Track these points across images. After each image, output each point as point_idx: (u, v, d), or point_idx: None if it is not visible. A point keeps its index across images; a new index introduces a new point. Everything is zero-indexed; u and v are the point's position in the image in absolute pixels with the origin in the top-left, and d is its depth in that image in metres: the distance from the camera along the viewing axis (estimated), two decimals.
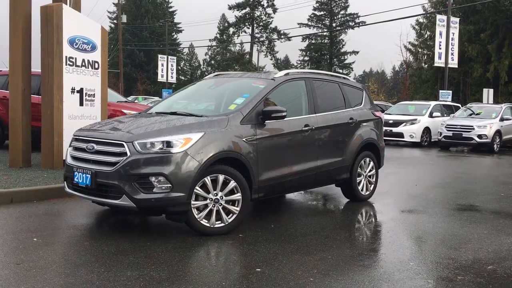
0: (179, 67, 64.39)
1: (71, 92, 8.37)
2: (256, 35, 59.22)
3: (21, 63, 8.21)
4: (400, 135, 18.20)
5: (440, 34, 24.84)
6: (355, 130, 6.87)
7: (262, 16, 58.34)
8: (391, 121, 18.32)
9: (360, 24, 58.65)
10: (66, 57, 8.22)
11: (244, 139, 5.25)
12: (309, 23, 61.47)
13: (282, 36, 57.32)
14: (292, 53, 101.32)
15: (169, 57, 34.13)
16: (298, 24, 59.86)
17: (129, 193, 4.67)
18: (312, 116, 6.21)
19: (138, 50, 57.96)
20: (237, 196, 5.09)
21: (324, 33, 63.40)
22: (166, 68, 31.92)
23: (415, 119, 18.29)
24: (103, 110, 8.98)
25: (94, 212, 5.87)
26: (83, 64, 8.56)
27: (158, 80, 35.89)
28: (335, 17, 60.83)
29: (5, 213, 5.70)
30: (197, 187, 4.85)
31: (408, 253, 4.68)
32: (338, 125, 6.60)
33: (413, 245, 5.04)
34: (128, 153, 4.73)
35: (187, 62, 70.79)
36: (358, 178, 6.93)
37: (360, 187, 6.98)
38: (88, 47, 8.67)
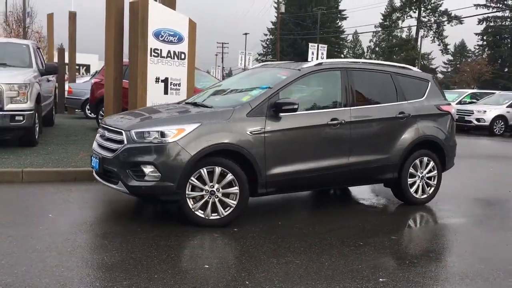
0: (342, 55, 63.77)
1: (156, 81, 8.94)
2: (423, 19, 55.65)
3: (113, 54, 9.06)
4: None
5: None
6: (408, 126, 6.14)
7: None
8: None
9: None
10: (151, 49, 8.82)
11: (248, 132, 5.10)
12: (488, 3, 55.67)
13: (453, 19, 52.89)
14: (468, 37, 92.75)
15: (320, 45, 34.04)
16: (474, 5, 54.62)
17: (124, 179, 4.91)
18: (345, 109, 5.74)
19: (301, 39, 58.91)
20: (235, 189, 5.00)
21: (506, 14, 56.81)
22: (316, 57, 31.97)
23: None
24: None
25: (130, 197, 6.23)
26: (169, 55, 9.08)
27: None
28: None
29: (58, 189, 6.38)
30: (192, 178, 4.89)
31: (410, 273, 4.03)
32: (382, 120, 5.99)
33: (425, 263, 4.35)
34: (125, 141, 4.97)
35: (350, 50, 69.79)
36: (410, 179, 6.20)
37: (413, 189, 6.24)
38: (174, 39, 9.15)
